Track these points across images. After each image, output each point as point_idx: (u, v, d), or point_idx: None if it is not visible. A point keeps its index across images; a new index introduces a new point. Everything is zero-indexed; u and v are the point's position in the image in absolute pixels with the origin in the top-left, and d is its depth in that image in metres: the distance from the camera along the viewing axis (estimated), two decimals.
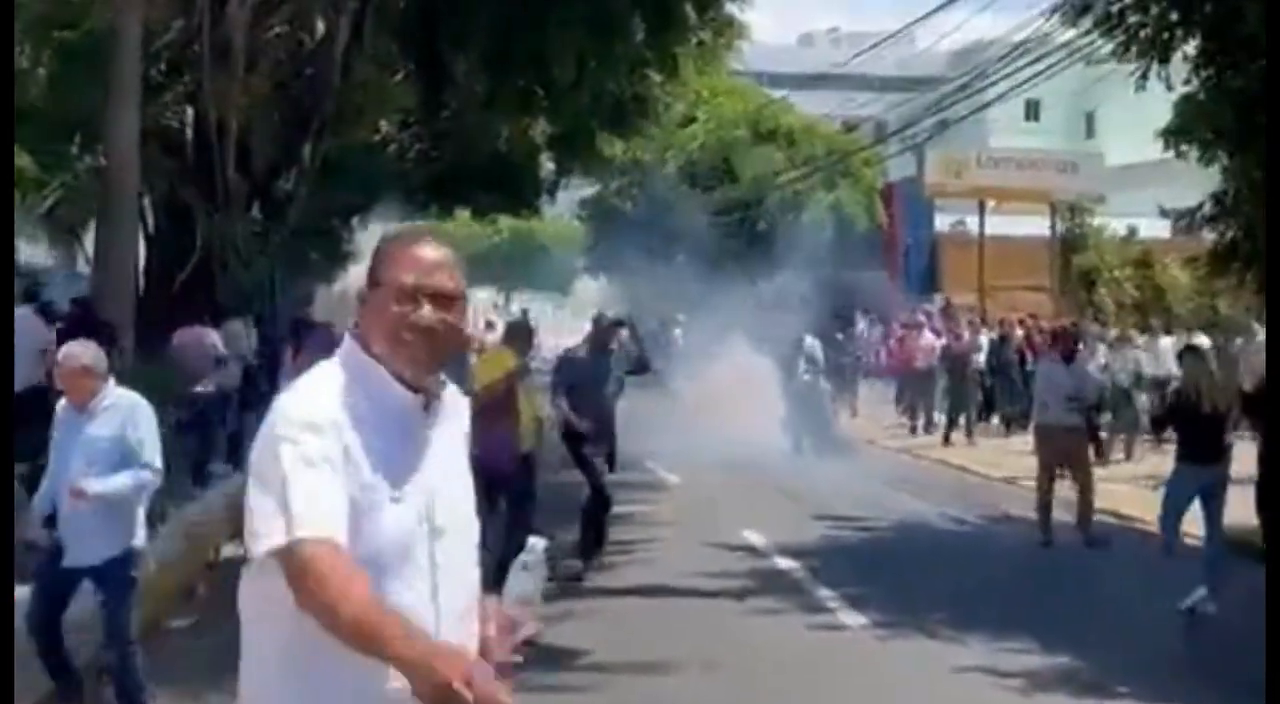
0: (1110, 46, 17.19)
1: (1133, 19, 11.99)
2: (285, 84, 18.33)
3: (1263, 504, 9.71)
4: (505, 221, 59.68)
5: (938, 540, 14.01)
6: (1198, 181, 41.28)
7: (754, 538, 13.55)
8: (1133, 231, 37.62)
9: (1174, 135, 12.10)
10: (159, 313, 17.47)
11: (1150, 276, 34.24)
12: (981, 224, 36.68)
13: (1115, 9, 12.03)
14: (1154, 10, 11.87)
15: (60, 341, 16.54)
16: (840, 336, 26.54)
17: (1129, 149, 45.19)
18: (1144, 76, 12.25)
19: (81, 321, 16.70)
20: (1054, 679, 8.60)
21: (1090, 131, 60.50)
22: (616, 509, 12.23)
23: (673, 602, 10.88)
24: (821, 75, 41.61)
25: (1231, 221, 11.55)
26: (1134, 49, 12.10)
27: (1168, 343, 21.10)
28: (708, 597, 10.95)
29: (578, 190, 43.48)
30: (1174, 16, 11.86)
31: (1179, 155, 12.83)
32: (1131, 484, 16.41)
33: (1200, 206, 12.35)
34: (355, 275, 45.56)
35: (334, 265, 39.67)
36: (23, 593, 7.27)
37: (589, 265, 49.64)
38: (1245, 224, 11.18)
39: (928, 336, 25.17)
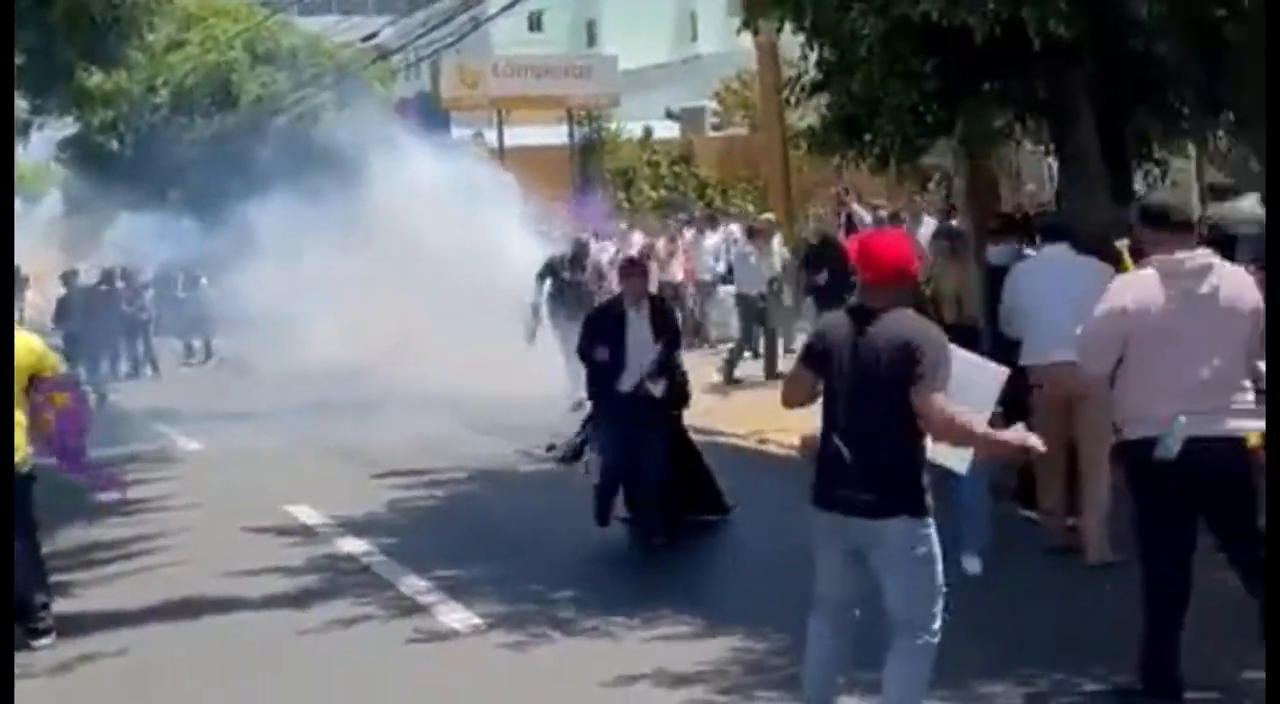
0: None
1: None
2: None
3: None
4: None
5: (527, 491, 11.93)
6: (699, 85, 41.28)
7: (306, 514, 11.09)
8: (648, 133, 37.33)
9: (762, 7, 10.48)
10: None
11: (694, 172, 33.81)
12: (500, 135, 35.23)
13: None
14: None
15: None
16: None
17: (632, 54, 45.08)
18: None
19: None
20: (751, 672, 6.74)
21: (592, 39, 60.41)
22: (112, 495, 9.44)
23: (209, 625, 8.21)
24: None
25: (845, 89, 10.10)
26: None
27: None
28: (258, 608, 8.40)
29: (56, 131, 39.02)
30: None
31: (751, 30, 11.27)
32: None
33: (799, 78, 10.87)
34: None
35: None
36: None
37: (69, 212, 44.40)
38: (863, 88, 9.78)
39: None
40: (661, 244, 21.70)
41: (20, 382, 7.83)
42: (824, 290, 15.03)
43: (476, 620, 7.82)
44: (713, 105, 39.53)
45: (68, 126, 38.19)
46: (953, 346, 5.47)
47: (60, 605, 8.28)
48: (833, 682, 5.61)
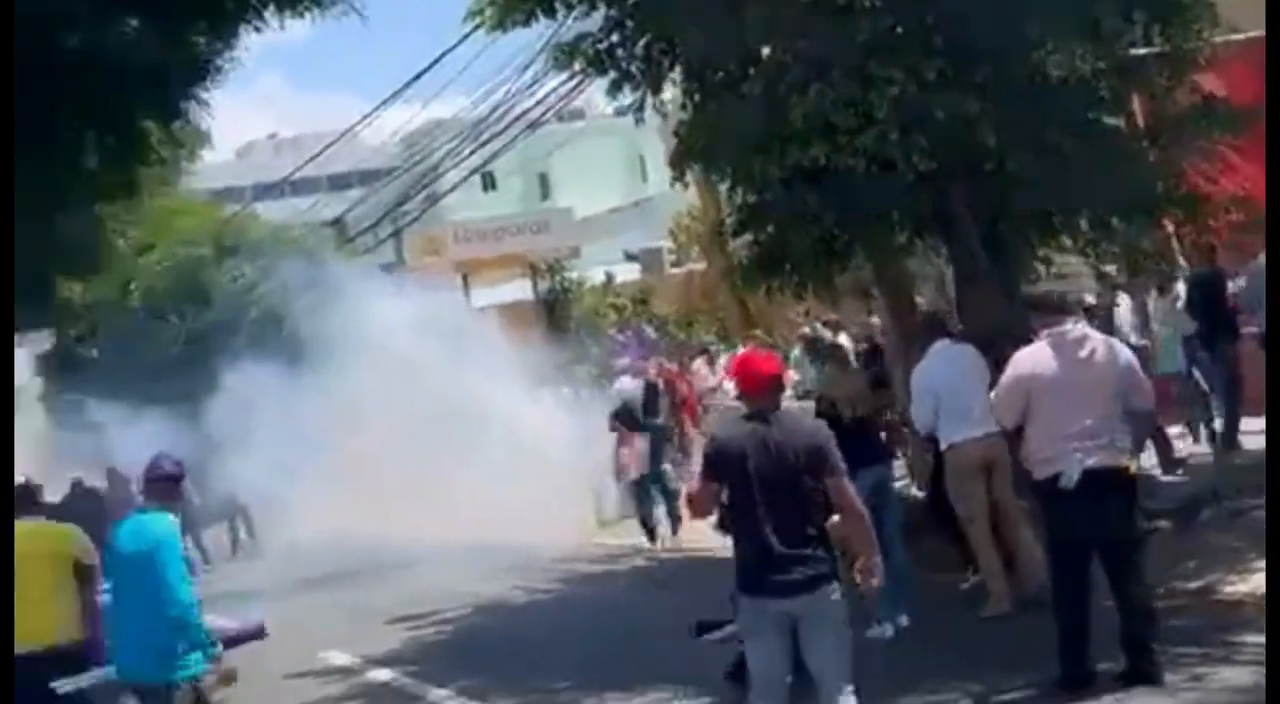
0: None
1: (621, 54, 11.95)
2: None
3: None
4: None
5: (527, 615, 13.47)
6: (654, 225, 42.41)
7: (336, 657, 12.47)
8: (610, 278, 38.72)
9: (686, 161, 12.11)
10: None
11: (651, 311, 35.20)
12: (468, 297, 36.76)
13: (604, 47, 11.93)
14: (640, 45, 11.86)
15: None
16: None
17: (587, 202, 46.90)
18: (639, 109, 12.26)
19: None
20: None
21: (545, 193, 61.99)
22: None
23: None
24: (271, 185, 40.73)
25: (762, 229, 11.71)
26: (626, 86, 12.09)
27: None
28: None
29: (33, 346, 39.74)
30: (661, 48, 11.89)
31: (682, 182, 12.87)
32: None
33: (723, 222, 12.51)
34: None
35: None
36: None
37: (60, 424, 44.59)
38: (777, 230, 11.38)
39: None
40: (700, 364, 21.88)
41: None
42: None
43: None
44: (668, 244, 41.09)
45: (44, 341, 39.00)
46: None
47: None
48: None
